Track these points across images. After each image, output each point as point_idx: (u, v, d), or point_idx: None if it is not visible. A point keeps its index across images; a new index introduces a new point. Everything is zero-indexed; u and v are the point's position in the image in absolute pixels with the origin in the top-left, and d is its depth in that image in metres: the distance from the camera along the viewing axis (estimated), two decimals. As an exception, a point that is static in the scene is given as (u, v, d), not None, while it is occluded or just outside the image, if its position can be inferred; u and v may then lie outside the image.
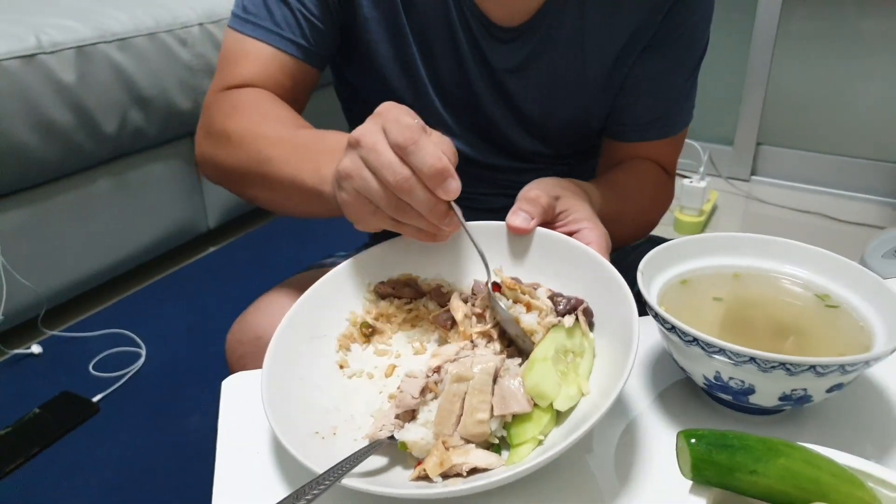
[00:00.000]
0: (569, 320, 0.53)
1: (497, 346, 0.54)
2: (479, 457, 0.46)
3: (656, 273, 0.59)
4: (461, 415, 0.48)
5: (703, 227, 2.24)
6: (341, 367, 0.57)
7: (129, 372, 1.55)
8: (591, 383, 0.51)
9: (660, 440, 0.53)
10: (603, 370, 0.52)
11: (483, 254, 0.57)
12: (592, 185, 0.74)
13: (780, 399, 0.49)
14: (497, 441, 0.49)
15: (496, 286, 0.56)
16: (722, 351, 0.47)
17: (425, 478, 0.46)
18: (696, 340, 0.48)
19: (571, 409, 0.49)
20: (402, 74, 0.81)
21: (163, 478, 1.29)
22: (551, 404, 0.48)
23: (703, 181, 2.19)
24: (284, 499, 0.40)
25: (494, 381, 0.49)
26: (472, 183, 0.95)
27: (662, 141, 0.87)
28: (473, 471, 0.46)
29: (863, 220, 2.31)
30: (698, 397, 0.57)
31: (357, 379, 0.56)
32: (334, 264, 0.86)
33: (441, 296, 0.61)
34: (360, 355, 0.59)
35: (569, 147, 0.89)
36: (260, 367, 0.53)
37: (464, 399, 0.48)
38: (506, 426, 0.49)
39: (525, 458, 0.46)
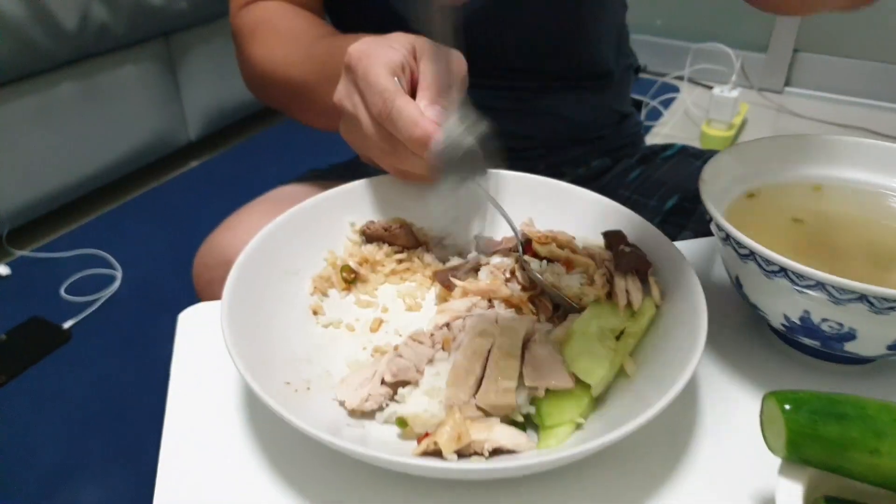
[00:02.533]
0: (634, 293, 0.43)
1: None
2: (506, 435, 0.37)
3: (720, 184, 0.48)
4: (481, 379, 0.38)
5: (731, 143, 2.10)
6: (315, 312, 0.48)
7: (103, 296, 1.47)
8: (639, 360, 0.42)
9: (720, 397, 0.43)
10: (655, 343, 0.43)
11: (502, 209, 0.49)
12: None
13: (889, 348, 0.39)
14: (521, 419, 0.39)
15: (527, 245, 0.48)
16: (820, 285, 0.36)
17: (435, 453, 0.36)
18: (783, 271, 0.38)
19: (610, 391, 0.41)
20: None
21: (137, 408, 1.22)
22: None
23: (735, 91, 2.04)
24: None
25: (525, 345, 0.40)
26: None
27: None
28: (496, 452, 0.37)
29: (907, 134, 2.17)
30: (764, 338, 0.47)
31: (334, 329, 0.47)
32: (318, 177, 0.76)
33: (441, 249, 0.52)
34: (338, 303, 0.50)
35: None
36: None
37: (486, 360, 0.39)
38: (534, 402, 0.39)
39: (562, 441, 0.37)
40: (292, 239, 0.50)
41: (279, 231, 0.49)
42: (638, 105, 2.14)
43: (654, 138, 2.15)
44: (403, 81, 0.47)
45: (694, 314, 0.40)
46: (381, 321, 0.48)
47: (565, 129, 0.79)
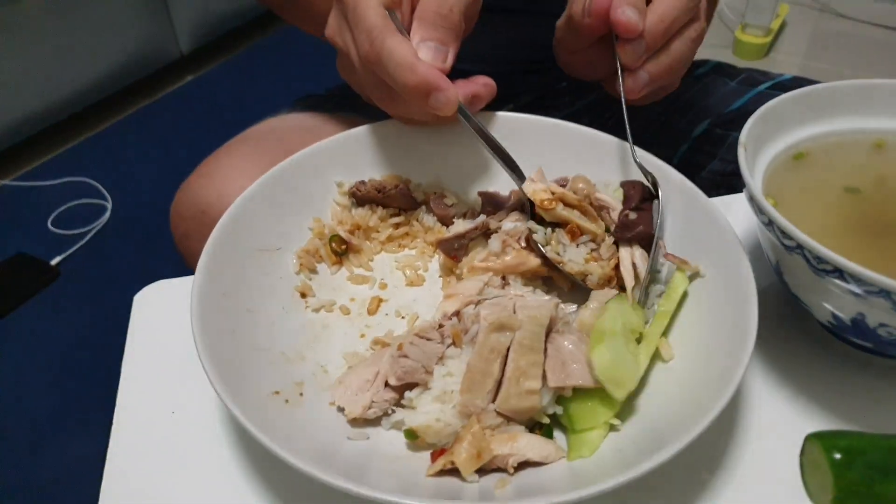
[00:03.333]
0: (641, 267, 0.39)
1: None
2: (532, 445, 0.33)
3: (761, 144, 0.41)
4: (500, 380, 0.35)
5: (767, 50, 1.97)
6: (303, 295, 0.43)
7: (92, 228, 1.43)
8: (676, 342, 0.38)
9: (755, 393, 0.38)
10: (694, 323, 0.38)
11: (508, 155, 0.43)
12: None
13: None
14: (547, 420, 0.35)
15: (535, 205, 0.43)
16: (884, 293, 0.31)
17: (452, 472, 0.33)
18: (838, 272, 0.32)
19: (646, 377, 0.37)
20: None
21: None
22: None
23: (776, -9, 1.89)
24: None
25: (546, 336, 0.35)
26: None
27: None
28: (524, 465, 0.34)
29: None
30: (807, 326, 0.42)
31: (327, 314, 0.43)
32: (310, 107, 0.70)
33: (443, 208, 0.47)
34: (328, 281, 0.45)
35: None
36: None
37: (505, 358, 0.35)
38: (561, 401, 0.35)
39: (595, 449, 0.34)
40: (271, 209, 0.44)
41: (254, 202, 0.44)
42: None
43: (683, 46, 2.02)
44: (399, 14, 0.42)
45: (741, 297, 0.36)
46: (379, 300, 0.44)
47: None
